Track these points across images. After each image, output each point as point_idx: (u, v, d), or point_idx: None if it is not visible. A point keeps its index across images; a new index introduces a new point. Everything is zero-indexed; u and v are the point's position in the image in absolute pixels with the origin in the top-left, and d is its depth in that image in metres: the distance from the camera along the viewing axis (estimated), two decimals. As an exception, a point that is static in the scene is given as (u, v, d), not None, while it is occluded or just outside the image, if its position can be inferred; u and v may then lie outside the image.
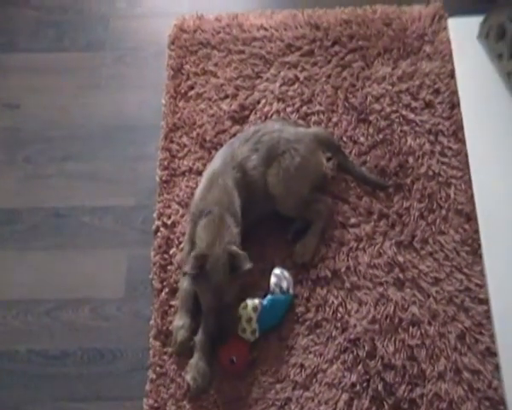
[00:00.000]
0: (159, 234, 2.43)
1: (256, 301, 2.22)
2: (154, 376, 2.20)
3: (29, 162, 2.64)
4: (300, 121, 2.63)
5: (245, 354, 2.20)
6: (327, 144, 2.50)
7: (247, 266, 2.12)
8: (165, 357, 2.22)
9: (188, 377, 2.15)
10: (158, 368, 2.21)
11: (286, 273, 2.28)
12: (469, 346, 2.21)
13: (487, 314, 2.26)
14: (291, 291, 2.27)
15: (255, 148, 2.36)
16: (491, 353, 2.20)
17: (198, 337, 2.20)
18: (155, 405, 2.15)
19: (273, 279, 2.27)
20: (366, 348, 2.21)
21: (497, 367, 2.18)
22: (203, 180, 2.36)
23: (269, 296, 2.24)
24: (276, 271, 2.28)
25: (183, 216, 2.45)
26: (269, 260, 2.36)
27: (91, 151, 2.65)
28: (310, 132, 2.47)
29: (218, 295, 2.13)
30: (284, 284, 2.25)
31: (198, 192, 2.34)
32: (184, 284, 2.27)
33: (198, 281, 2.15)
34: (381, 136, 2.60)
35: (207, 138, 2.61)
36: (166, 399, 2.16)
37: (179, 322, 2.22)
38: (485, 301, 2.28)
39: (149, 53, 2.89)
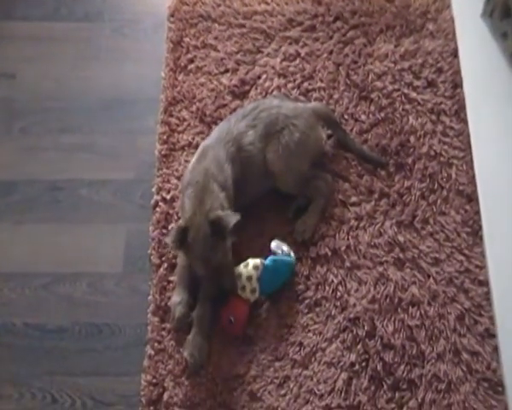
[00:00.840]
0: (158, 209, 2.41)
1: (258, 260, 2.22)
2: (153, 352, 2.18)
3: (25, 133, 2.60)
4: (301, 98, 2.60)
5: (244, 315, 2.19)
6: (326, 119, 2.48)
7: (232, 221, 2.10)
8: (164, 333, 2.21)
9: (185, 354, 2.15)
10: (156, 344, 2.19)
11: (284, 247, 2.27)
12: (469, 327, 2.21)
13: (487, 296, 2.25)
14: (293, 255, 2.26)
15: (253, 124, 2.34)
16: (490, 334, 2.19)
17: (196, 312, 2.19)
18: (153, 381, 2.14)
19: (273, 244, 2.26)
20: (365, 327, 2.20)
21: (495, 349, 2.17)
22: (195, 154, 2.34)
23: (271, 257, 2.23)
24: (274, 243, 2.27)
25: (182, 191, 2.43)
26: (268, 236, 2.33)
27: (89, 124, 2.62)
28: (308, 107, 2.45)
29: (206, 263, 2.12)
30: (285, 248, 2.25)
31: (189, 166, 2.32)
32: (181, 259, 2.25)
33: (184, 252, 2.15)
34: (382, 114, 2.57)
35: (207, 113, 2.58)
36: (165, 375, 2.15)
37: (177, 298, 2.21)
38: (485, 283, 2.27)
39: (148, 25, 2.85)
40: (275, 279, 2.23)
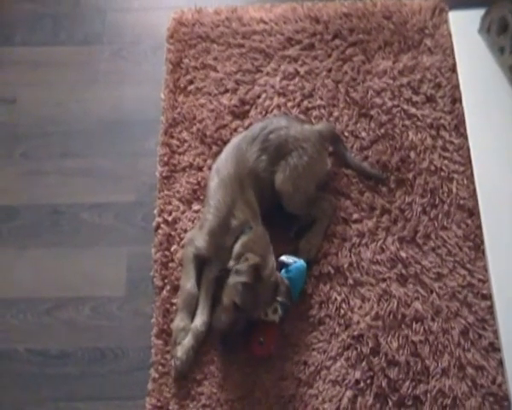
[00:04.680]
0: (159, 231, 2.40)
1: None
2: (157, 375, 2.17)
3: (26, 158, 2.60)
4: (301, 116, 2.60)
5: (272, 334, 2.18)
6: (330, 138, 2.50)
7: (288, 301, 2.16)
8: (168, 356, 2.19)
9: (178, 355, 2.15)
10: (160, 367, 2.18)
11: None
12: (473, 342, 2.21)
13: (490, 310, 2.25)
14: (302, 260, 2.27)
15: (264, 147, 2.34)
16: (494, 348, 2.19)
17: (197, 326, 2.18)
18: (158, 404, 2.13)
19: (283, 257, 2.26)
20: (370, 344, 2.20)
21: (500, 363, 2.17)
22: (220, 183, 2.30)
23: (283, 270, 2.23)
24: (283, 256, 2.27)
25: (183, 212, 2.42)
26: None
27: (90, 147, 2.61)
28: (315, 130, 2.45)
29: (254, 307, 2.13)
30: (294, 258, 2.26)
31: (219, 200, 2.26)
32: (188, 285, 2.23)
33: (249, 287, 2.11)
34: (382, 130, 2.58)
35: (208, 133, 2.58)
36: (169, 398, 2.14)
37: (180, 323, 2.20)
38: (488, 297, 2.27)
39: (148, 47, 2.85)
40: (293, 290, 2.21)
